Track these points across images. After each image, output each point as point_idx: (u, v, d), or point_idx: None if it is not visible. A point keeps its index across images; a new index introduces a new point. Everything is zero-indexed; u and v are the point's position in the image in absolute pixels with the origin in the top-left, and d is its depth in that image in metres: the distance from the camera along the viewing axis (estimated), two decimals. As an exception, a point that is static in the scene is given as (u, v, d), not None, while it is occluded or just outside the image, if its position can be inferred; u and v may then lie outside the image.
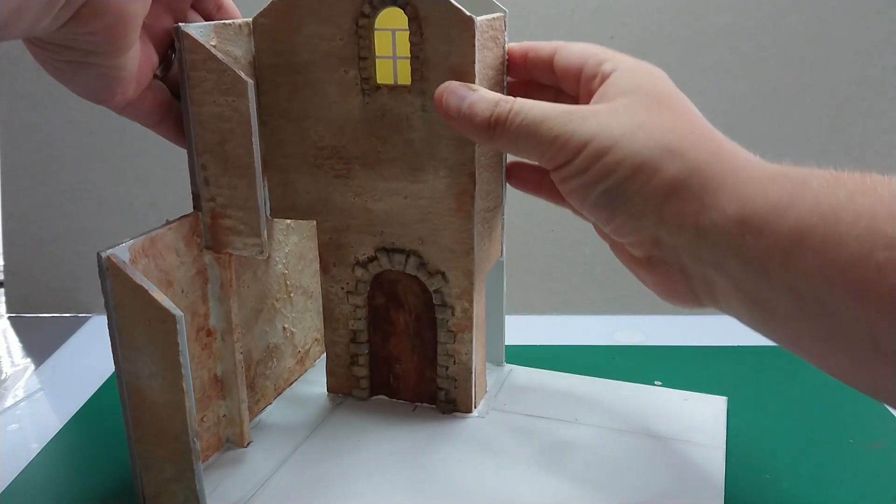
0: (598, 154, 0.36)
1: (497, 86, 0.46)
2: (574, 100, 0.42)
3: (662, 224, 0.35)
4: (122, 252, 0.35)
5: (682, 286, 0.37)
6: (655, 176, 0.35)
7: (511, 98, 0.39)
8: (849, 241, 0.29)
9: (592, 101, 0.39)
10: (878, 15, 0.62)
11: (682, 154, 0.35)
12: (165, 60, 0.40)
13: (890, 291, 0.28)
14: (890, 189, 0.29)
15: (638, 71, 0.39)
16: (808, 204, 0.31)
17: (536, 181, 0.46)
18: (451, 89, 0.40)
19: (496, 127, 0.38)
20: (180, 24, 0.38)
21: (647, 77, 0.38)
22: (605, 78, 0.39)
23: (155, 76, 0.40)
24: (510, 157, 0.47)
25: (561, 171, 0.37)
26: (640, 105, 0.37)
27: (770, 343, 0.60)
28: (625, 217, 0.36)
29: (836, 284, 0.29)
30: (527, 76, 0.44)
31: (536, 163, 0.39)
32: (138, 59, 0.36)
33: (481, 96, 0.39)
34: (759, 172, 0.34)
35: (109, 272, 0.35)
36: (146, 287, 0.34)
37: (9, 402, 0.54)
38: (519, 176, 0.47)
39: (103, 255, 0.35)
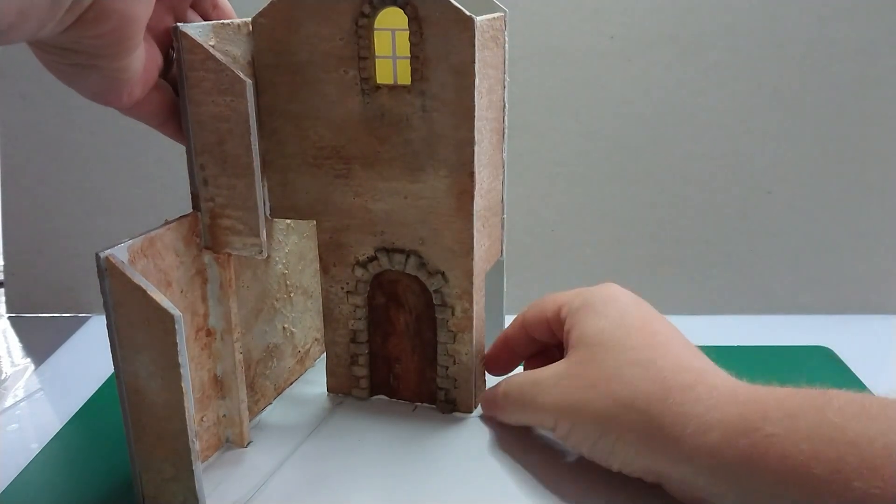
0: (570, 422, 0.40)
1: (498, 84, 0.46)
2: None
3: (652, 466, 0.38)
4: (120, 252, 0.35)
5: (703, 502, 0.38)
6: (622, 432, 0.38)
7: (505, 379, 0.46)
8: (826, 497, 0.31)
9: (565, 349, 0.43)
10: (878, 15, 0.62)
11: (633, 405, 0.37)
12: (169, 60, 0.40)
13: None
14: (843, 434, 0.31)
15: (586, 312, 0.42)
16: (775, 458, 0.32)
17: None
18: (485, 395, 0.48)
19: (500, 403, 0.45)
20: (179, 24, 0.38)
21: (592, 320, 0.41)
22: (564, 321, 0.44)
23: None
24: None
25: (557, 436, 0.42)
26: (589, 361, 0.40)
27: (770, 343, 0.60)
28: (619, 463, 0.39)
29: None
30: (516, 356, 0.49)
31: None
32: (143, 60, 0.36)
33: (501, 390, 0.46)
34: (715, 416, 0.35)
35: (108, 272, 0.35)
36: (145, 287, 0.34)
37: (9, 402, 0.54)
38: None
39: (102, 255, 0.35)
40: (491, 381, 0.51)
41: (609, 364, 0.39)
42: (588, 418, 0.39)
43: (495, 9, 0.45)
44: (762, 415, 0.34)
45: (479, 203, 0.44)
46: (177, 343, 0.34)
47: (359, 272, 0.47)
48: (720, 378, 0.38)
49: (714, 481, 0.35)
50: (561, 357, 0.43)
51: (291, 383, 0.53)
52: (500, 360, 0.49)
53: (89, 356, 0.60)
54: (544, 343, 0.47)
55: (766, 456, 0.32)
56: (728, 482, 0.34)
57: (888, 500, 0.29)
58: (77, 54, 0.33)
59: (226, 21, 0.41)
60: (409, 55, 0.42)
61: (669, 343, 0.40)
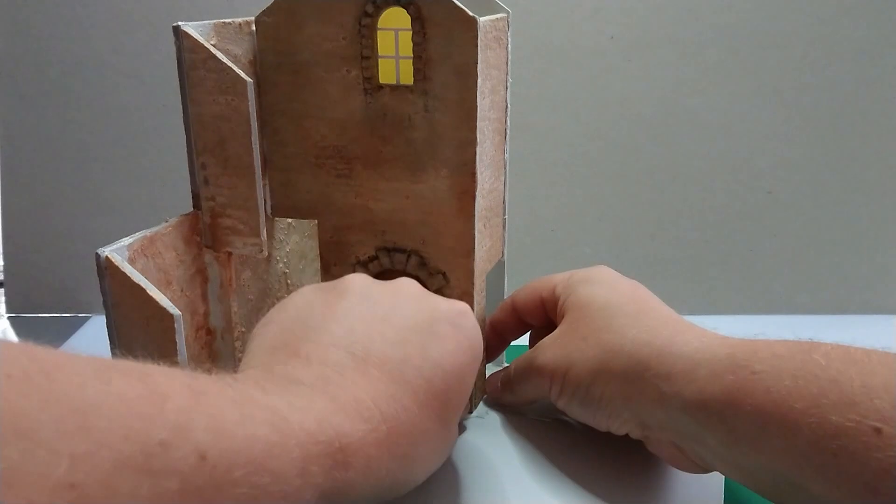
0: (561, 376, 0.41)
1: (500, 85, 0.46)
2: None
3: (638, 412, 0.38)
4: (120, 251, 0.35)
5: (681, 457, 0.38)
6: (611, 378, 0.38)
7: (515, 360, 0.46)
8: (804, 429, 0.31)
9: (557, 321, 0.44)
10: (878, 15, 0.62)
11: (622, 350, 0.38)
12: None
13: (852, 477, 0.30)
14: (826, 371, 0.32)
15: (579, 286, 0.43)
16: (760, 392, 0.33)
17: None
18: (489, 379, 0.49)
19: (510, 380, 0.46)
20: (179, 22, 0.38)
21: (581, 290, 0.43)
22: (558, 298, 0.44)
23: None
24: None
25: (552, 398, 0.43)
26: (582, 321, 0.41)
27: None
28: (607, 416, 0.40)
29: (803, 468, 0.32)
30: (504, 341, 0.50)
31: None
32: None
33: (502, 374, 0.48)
34: (703, 356, 0.36)
35: (108, 271, 0.35)
36: (144, 286, 0.34)
37: (8, 401, 0.54)
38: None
39: (101, 253, 0.35)
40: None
41: (599, 318, 0.40)
42: (578, 368, 0.40)
43: (498, 9, 0.45)
44: (750, 354, 0.34)
45: (480, 203, 0.44)
46: (176, 342, 0.34)
47: (359, 272, 0.47)
48: (707, 331, 0.38)
49: (698, 420, 0.35)
50: None
51: (292, 383, 0.53)
52: (488, 346, 0.49)
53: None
54: (534, 327, 0.48)
55: (750, 391, 0.33)
56: (711, 420, 0.34)
57: (861, 433, 0.30)
58: None
59: (227, 20, 0.41)
60: (412, 55, 0.42)
61: (661, 307, 0.41)
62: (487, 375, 0.50)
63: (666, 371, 0.36)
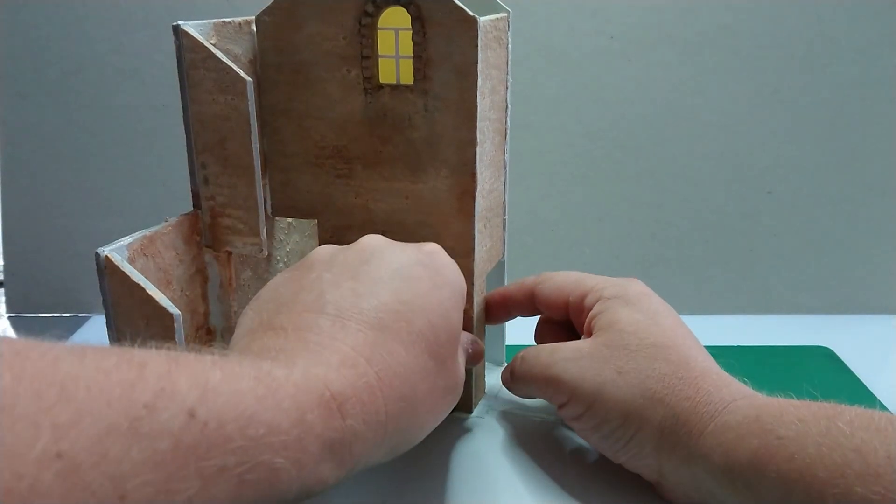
0: (586, 403, 0.39)
1: (500, 85, 0.46)
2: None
3: (661, 464, 0.38)
4: (119, 251, 0.35)
5: None
6: (644, 425, 0.37)
7: (529, 350, 0.44)
8: (828, 500, 0.31)
9: (584, 335, 0.42)
10: (878, 15, 0.62)
11: (663, 400, 0.37)
12: None
13: None
14: (850, 440, 0.31)
15: (618, 303, 0.41)
16: (784, 459, 0.32)
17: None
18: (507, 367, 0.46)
19: (516, 373, 0.44)
20: (179, 22, 0.38)
21: (626, 311, 0.41)
22: (589, 309, 0.42)
23: None
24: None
25: (564, 413, 0.41)
26: (620, 345, 0.39)
27: (770, 343, 0.60)
28: (629, 457, 0.39)
29: None
30: (510, 316, 0.49)
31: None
32: None
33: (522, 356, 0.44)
34: (734, 418, 0.35)
35: (107, 271, 0.35)
36: (144, 286, 0.34)
37: (8, 401, 0.54)
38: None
39: (101, 253, 0.35)
40: (491, 381, 0.51)
41: (641, 357, 0.38)
42: (610, 404, 0.38)
43: (499, 9, 0.45)
44: (776, 418, 0.34)
45: (480, 204, 0.44)
46: (175, 341, 0.34)
47: (360, 272, 0.47)
48: (739, 385, 0.38)
49: (722, 483, 0.35)
50: (569, 336, 0.44)
51: (292, 383, 0.53)
52: (493, 313, 0.48)
53: (89, 356, 0.60)
54: (545, 316, 0.47)
55: (774, 457, 0.33)
56: (736, 485, 0.34)
57: None
58: None
59: (227, 19, 0.41)
60: (412, 55, 0.42)
61: (698, 350, 0.40)
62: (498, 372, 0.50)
63: (699, 430, 0.36)
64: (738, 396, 0.37)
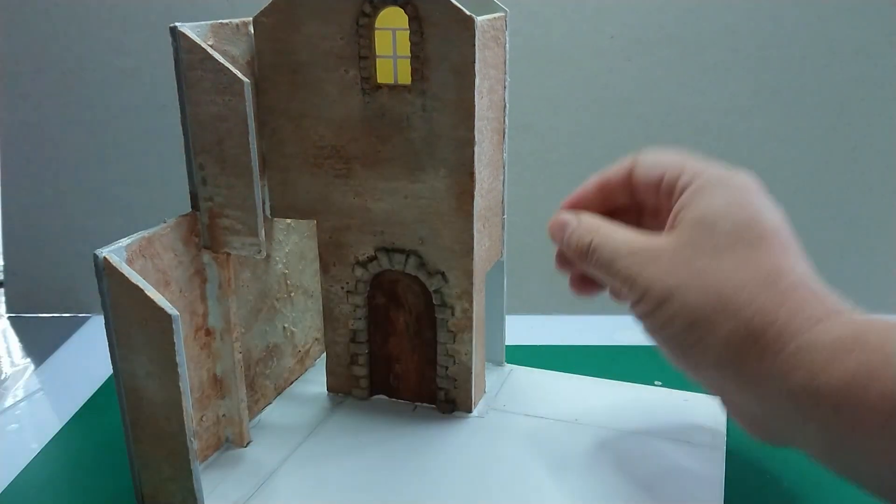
0: (656, 303, 0.35)
1: (498, 84, 0.46)
2: (655, 215, 0.41)
3: (724, 380, 0.35)
4: (118, 252, 0.35)
5: (761, 430, 0.36)
6: (709, 334, 0.34)
7: (597, 228, 0.39)
8: None
9: (667, 225, 0.38)
10: (878, 15, 0.62)
11: (737, 311, 0.33)
12: None
13: None
14: None
15: (713, 191, 0.37)
16: (890, 378, 0.29)
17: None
18: (556, 219, 0.42)
19: (585, 259, 0.39)
20: (176, 23, 0.38)
21: (720, 200, 0.36)
22: (680, 193, 0.38)
23: None
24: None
25: (633, 310, 0.38)
26: (705, 243, 0.35)
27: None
28: (689, 365, 0.36)
29: None
30: (608, 206, 0.43)
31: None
32: None
33: (577, 226, 0.40)
34: (826, 338, 0.32)
35: (106, 272, 0.35)
36: (142, 287, 0.34)
37: (9, 402, 0.54)
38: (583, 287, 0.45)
39: (100, 254, 0.35)
40: (491, 381, 0.51)
41: (727, 258, 0.34)
42: (678, 306, 0.34)
43: (496, 9, 0.45)
44: (883, 337, 0.31)
45: (479, 203, 0.44)
46: (174, 342, 0.34)
47: (359, 272, 0.47)
48: (836, 300, 0.34)
49: (801, 406, 0.32)
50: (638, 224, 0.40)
51: (291, 383, 0.53)
52: (585, 203, 0.43)
53: (89, 356, 0.60)
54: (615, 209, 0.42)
55: (879, 378, 0.29)
56: (818, 408, 0.31)
57: None
58: None
59: (224, 21, 0.41)
60: (410, 55, 0.42)
61: (796, 257, 0.35)
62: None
63: (776, 349, 0.32)
64: (832, 312, 0.33)
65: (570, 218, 0.41)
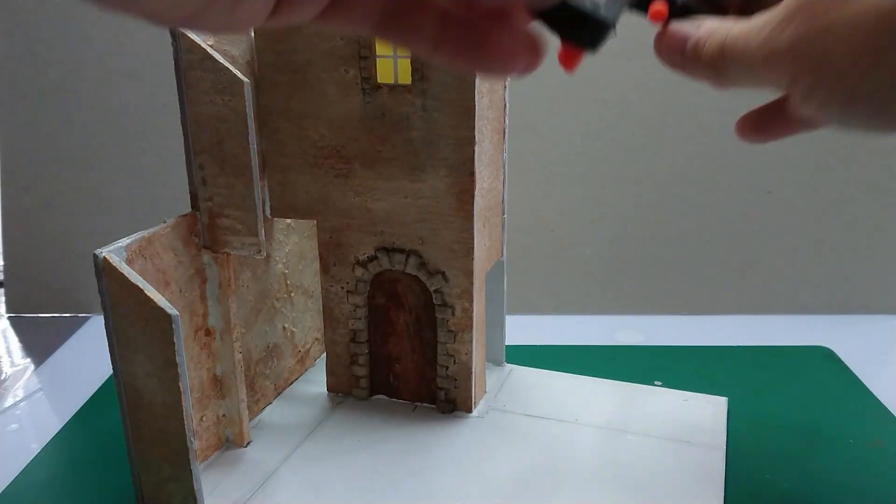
0: (818, 62, 0.28)
1: (498, 84, 0.46)
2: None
3: None
4: (118, 252, 0.35)
5: None
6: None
7: (720, 25, 0.32)
8: None
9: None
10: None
11: None
12: None
13: None
14: None
15: None
16: None
17: (772, 123, 0.39)
18: (671, 32, 0.33)
19: (722, 65, 0.32)
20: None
21: None
22: None
23: None
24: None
25: (794, 98, 0.30)
26: None
27: (770, 343, 0.60)
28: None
29: None
30: None
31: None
32: None
33: (701, 32, 0.32)
34: None
35: (105, 272, 0.35)
36: (142, 287, 0.34)
37: (9, 402, 0.54)
38: (753, 130, 0.39)
39: (99, 254, 0.35)
40: (491, 381, 0.51)
41: None
42: (848, 47, 0.27)
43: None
44: None
45: (479, 203, 0.44)
46: (174, 343, 0.34)
47: (359, 272, 0.47)
48: None
49: None
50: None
51: (291, 383, 0.53)
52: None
53: (89, 356, 0.60)
54: None
55: None
56: None
57: None
58: None
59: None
60: (410, 55, 0.42)
61: None
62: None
63: None
64: None
65: (688, 27, 0.33)
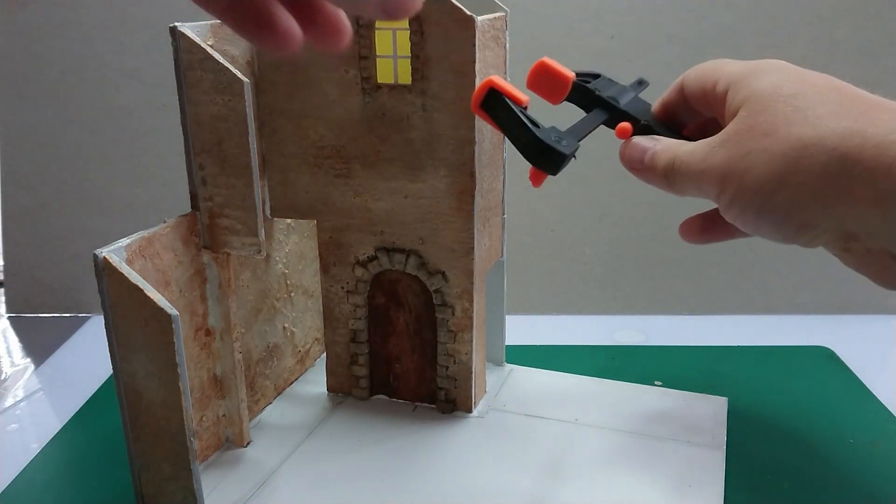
0: (735, 181, 0.34)
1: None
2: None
3: (842, 220, 0.33)
4: (118, 252, 0.35)
5: (887, 272, 0.35)
6: (802, 179, 0.32)
7: (675, 144, 0.38)
8: None
9: (727, 120, 0.37)
10: (878, 15, 0.62)
11: (821, 144, 0.32)
12: None
13: None
14: None
15: (748, 77, 0.36)
16: None
17: (712, 228, 0.44)
18: (633, 144, 0.40)
19: (670, 176, 0.38)
20: (176, 23, 0.38)
21: (758, 80, 0.36)
22: (724, 98, 0.37)
23: None
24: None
25: (720, 207, 0.36)
26: (760, 112, 0.34)
27: (770, 343, 0.60)
28: (797, 227, 0.34)
29: None
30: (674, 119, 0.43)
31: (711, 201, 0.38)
32: None
33: (657, 148, 0.39)
34: None
35: (105, 272, 0.35)
36: (142, 287, 0.34)
37: (9, 402, 0.54)
38: (698, 233, 0.45)
39: (99, 254, 0.35)
40: (491, 381, 0.51)
41: (788, 109, 0.33)
42: (759, 171, 0.33)
43: (496, 8, 0.45)
44: None
45: (479, 203, 0.44)
46: (174, 343, 0.34)
47: (359, 272, 0.47)
48: None
49: None
50: None
51: (291, 383, 0.53)
52: (660, 120, 0.43)
53: (89, 356, 0.60)
54: (702, 117, 0.42)
55: None
56: None
57: None
58: None
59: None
60: (410, 55, 0.42)
61: (868, 95, 0.34)
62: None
63: (885, 164, 0.30)
64: None
65: (647, 142, 0.40)
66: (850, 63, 0.63)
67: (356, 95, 0.43)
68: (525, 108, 0.36)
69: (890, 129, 0.31)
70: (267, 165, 0.46)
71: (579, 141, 0.38)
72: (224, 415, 0.45)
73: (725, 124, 0.37)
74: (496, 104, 0.35)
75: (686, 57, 0.63)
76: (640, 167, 0.40)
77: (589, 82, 0.43)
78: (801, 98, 0.34)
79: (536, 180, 0.38)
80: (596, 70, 0.46)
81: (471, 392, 0.48)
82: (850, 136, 0.31)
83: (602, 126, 0.43)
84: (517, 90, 0.37)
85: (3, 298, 0.70)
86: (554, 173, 0.37)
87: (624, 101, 0.42)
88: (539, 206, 0.66)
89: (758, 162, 0.33)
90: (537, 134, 0.35)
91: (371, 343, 0.49)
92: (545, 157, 0.36)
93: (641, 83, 0.43)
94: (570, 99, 0.43)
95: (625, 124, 0.41)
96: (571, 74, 0.42)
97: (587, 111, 0.42)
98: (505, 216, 0.50)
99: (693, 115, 0.42)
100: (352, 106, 0.44)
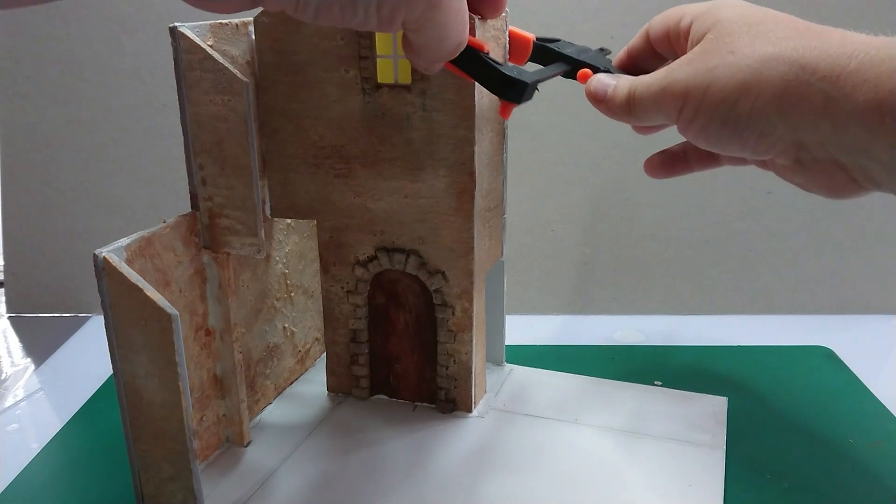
0: (699, 95, 0.36)
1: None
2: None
3: (795, 127, 0.34)
4: (118, 252, 0.35)
5: (840, 178, 0.36)
6: (764, 87, 0.34)
7: (636, 78, 0.40)
8: None
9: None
10: (878, 15, 0.62)
11: (782, 57, 0.34)
12: None
13: None
14: None
15: (713, 10, 0.38)
16: None
17: (679, 161, 0.47)
18: (597, 79, 0.41)
19: (631, 107, 0.40)
20: (176, 24, 0.38)
21: (722, 11, 0.38)
22: (687, 32, 0.39)
23: None
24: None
25: (681, 123, 0.38)
26: (725, 35, 0.36)
27: (770, 343, 0.60)
28: (756, 136, 0.36)
29: None
30: (636, 68, 0.44)
31: (670, 124, 0.39)
32: None
33: (618, 83, 0.40)
34: (881, 53, 0.33)
35: (105, 272, 0.35)
36: (142, 286, 0.34)
37: (9, 402, 0.54)
38: (664, 168, 0.48)
39: (99, 254, 0.35)
40: (491, 381, 0.51)
41: (752, 32, 0.36)
42: (723, 83, 0.35)
43: (495, 8, 0.45)
44: None
45: (479, 203, 0.44)
46: (174, 342, 0.34)
47: (359, 271, 0.47)
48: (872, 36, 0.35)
49: (870, 126, 0.32)
50: None
51: (292, 383, 0.53)
52: (623, 69, 0.45)
53: (89, 356, 0.60)
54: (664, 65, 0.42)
55: None
56: (886, 123, 0.32)
57: None
58: None
59: (224, 21, 0.41)
60: None
61: (812, 23, 0.37)
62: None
63: (836, 73, 0.33)
64: (881, 38, 0.34)
65: (608, 79, 0.41)
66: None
67: (356, 95, 0.43)
68: (487, 53, 0.38)
69: (841, 44, 0.34)
70: (267, 165, 0.46)
71: (538, 83, 0.40)
72: (224, 415, 0.45)
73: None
74: (461, 55, 0.37)
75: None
76: (603, 98, 0.41)
77: (550, 43, 0.45)
78: (764, 24, 0.36)
79: (505, 112, 0.40)
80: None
81: (471, 392, 0.48)
82: (809, 50, 0.34)
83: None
84: (477, 39, 0.38)
85: (3, 298, 0.70)
86: (518, 101, 0.39)
87: (584, 57, 0.44)
88: (539, 206, 0.66)
89: (723, 75, 0.35)
90: (500, 69, 0.37)
91: (371, 343, 0.49)
92: (508, 87, 0.38)
93: (603, 50, 0.45)
94: (533, 59, 0.45)
95: (586, 70, 0.42)
96: (532, 36, 0.45)
97: None
98: (505, 216, 0.50)
99: (657, 63, 0.43)
100: (352, 106, 0.44)
